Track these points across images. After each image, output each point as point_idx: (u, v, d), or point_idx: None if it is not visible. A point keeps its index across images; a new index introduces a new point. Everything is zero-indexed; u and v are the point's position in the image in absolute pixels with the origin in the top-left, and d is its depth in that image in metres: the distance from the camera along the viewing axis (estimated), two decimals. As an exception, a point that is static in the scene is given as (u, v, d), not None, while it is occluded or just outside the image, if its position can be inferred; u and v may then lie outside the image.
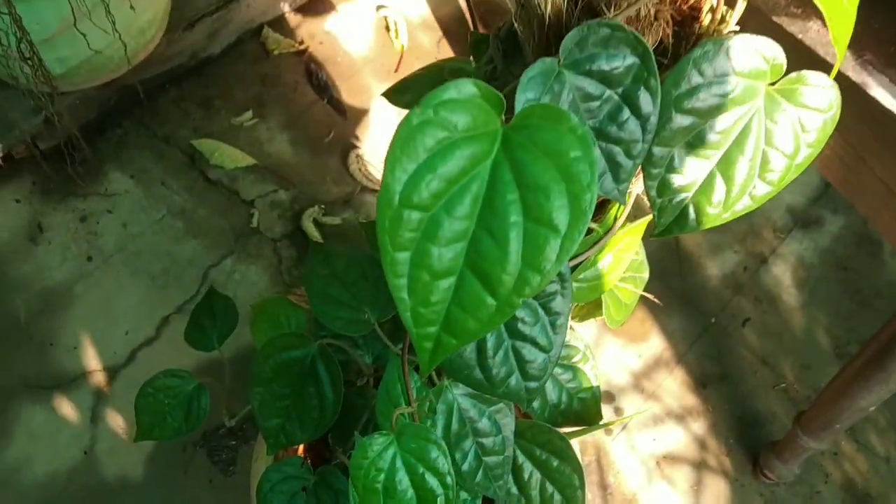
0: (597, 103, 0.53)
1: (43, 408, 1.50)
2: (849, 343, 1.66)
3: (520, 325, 0.61)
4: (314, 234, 1.67)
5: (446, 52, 1.93)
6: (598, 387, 1.04)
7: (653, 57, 0.52)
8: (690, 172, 0.58)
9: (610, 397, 1.57)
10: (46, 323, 1.57)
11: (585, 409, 1.03)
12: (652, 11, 0.54)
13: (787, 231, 1.77)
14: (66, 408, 1.50)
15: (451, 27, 1.96)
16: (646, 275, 0.98)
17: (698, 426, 1.56)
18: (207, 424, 1.47)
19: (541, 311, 0.61)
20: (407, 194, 0.43)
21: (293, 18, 1.95)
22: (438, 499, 0.67)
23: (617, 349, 1.62)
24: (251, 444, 1.48)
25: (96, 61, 1.48)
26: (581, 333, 1.04)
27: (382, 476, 0.67)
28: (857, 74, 0.88)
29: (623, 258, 0.78)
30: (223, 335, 1.10)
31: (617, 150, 0.55)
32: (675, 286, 1.70)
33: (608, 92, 0.53)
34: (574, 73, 0.52)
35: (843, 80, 0.90)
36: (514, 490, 0.98)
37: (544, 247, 0.44)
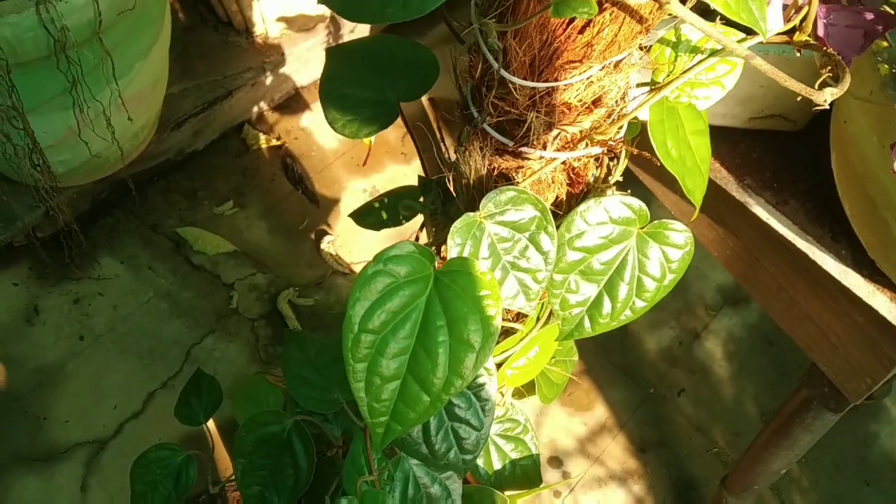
0: (510, 244, 0.71)
1: (36, 478, 1.63)
2: (773, 411, 1.83)
3: (456, 410, 0.78)
4: (289, 314, 1.83)
5: (409, 146, 2.12)
6: (537, 455, 1.20)
7: (548, 211, 0.70)
8: (583, 293, 0.75)
9: (558, 462, 1.73)
10: (40, 399, 1.71)
11: (526, 475, 1.19)
12: (549, 177, 0.72)
13: (717, 308, 1.96)
14: (58, 478, 1.63)
15: (414, 123, 2.16)
16: (575, 357, 1.16)
17: (639, 488, 1.72)
18: (190, 491, 1.60)
19: (473, 398, 0.78)
20: (363, 322, 0.60)
21: (271, 116, 2.15)
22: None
23: (564, 418, 1.79)
24: (230, 511, 1.62)
25: (94, 162, 1.65)
26: (522, 408, 1.21)
27: (348, 529, 0.83)
28: (739, 195, 1.07)
29: (548, 349, 0.95)
30: (209, 411, 1.25)
31: (527, 277, 0.72)
32: (617, 360, 1.88)
33: (518, 235, 0.71)
34: (491, 223, 0.70)
35: (730, 198, 1.10)
36: (464, 548, 1.13)
37: (464, 358, 0.61)
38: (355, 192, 2.05)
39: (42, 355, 1.76)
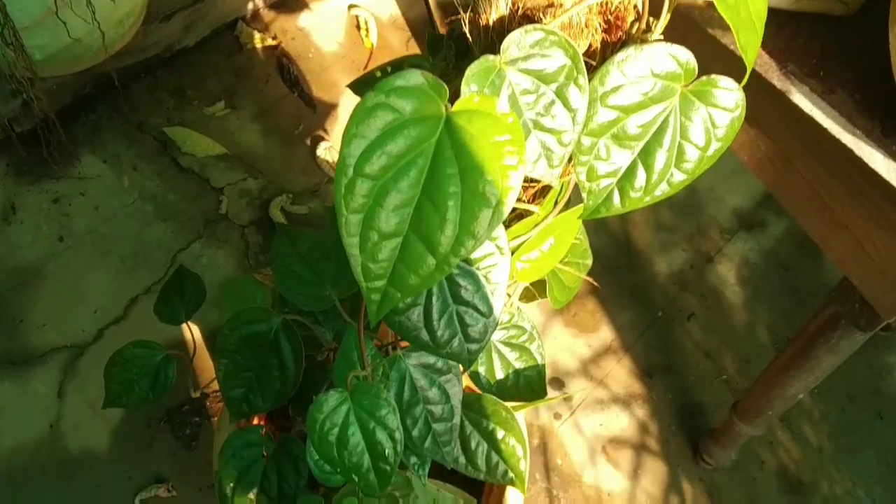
0: (533, 97, 0.61)
1: (11, 382, 1.55)
2: (787, 339, 1.75)
3: (463, 293, 0.68)
4: (281, 221, 1.73)
5: (414, 51, 2.00)
6: (543, 365, 1.12)
7: (581, 59, 0.59)
8: (615, 161, 0.65)
9: (559, 383, 1.66)
10: (16, 300, 1.62)
11: (530, 386, 1.11)
12: (583, 20, 0.61)
13: (732, 232, 1.87)
14: (34, 383, 1.55)
15: (419, 28, 2.04)
16: (589, 261, 1.06)
17: (643, 413, 1.65)
18: (171, 401, 1.52)
19: (482, 279, 0.68)
20: (360, 165, 0.50)
21: (267, 14, 2.02)
22: (387, 450, 0.74)
23: (568, 339, 1.71)
24: (213, 422, 1.54)
25: (75, 49, 1.53)
26: (529, 316, 1.12)
27: (336, 429, 0.74)
28: (781, 83, 0.97)
29: (564, 241, 0.86)
30: (191, 310, 1.16)
31: (550, 139, 0.62)
32: (626, 281, 1.79)
33: (543, 88, 0.61)
34: (513, 70, 0.60)
35: (770, 89, 0.99)
36: (462, 459, 1.05)
37: (478, 214, 0.52)
38: (355, 98, 1.92)
39: (19, 255, 1.66)
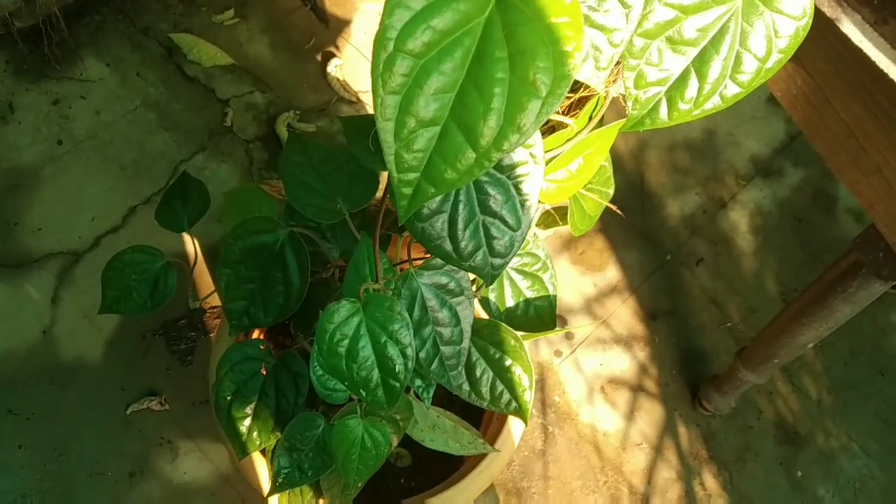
0: (586, -12, 0.56)
1: (3, 285, 1.51)
2: (795, 291, 1.72)
3: (491, 203, 0.64)
4: (288, 137, 1.68)
5: (433, -29, 1.92)
6: (554, 296, 1.08)
7: (643, -54, 0.54)
8: (667, 66, 0.61)
9: (562, 321, 1.63)
10: (12, 202, 1.57)
11: (540, 316, 1.07)
12: None
13: (748, 179, 1.82)
14: (28, 287, 1.51)
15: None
16: (611, 190, 1.02)
17: (644, 356, 1.63)
18: (167, 314, 1.49)
19: (513, 190, 0.64)
20: (402, 39, 0.45)
21: (282, -79, 1.93)
22: (397, 366, 0.71)
23: (574, 276, 1.67)
24: (209, 338, 1.51)
25: (80, -61, 1.46)
26: (544, 242, 1.08)
27: (346, 341, 0.70)
28: (832, 10, 0.91)
29: (593, 162, 0.81)
30: (194, 218, 1.12)
31: (600, 37, 0.57)
32: (637, 222, 1.75)
33: (598, -22, 0.55)
34: (567, -45, 0.54)
35: (818, 16, 0.94)
36: (466, 386, 1.02)
37: (526, 105, 0.47)
38: (370, 15, 1.86)
39: (16, 156, 1.61)
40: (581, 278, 1.68)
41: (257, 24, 1.80)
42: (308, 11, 1.83)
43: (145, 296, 1.08)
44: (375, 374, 0.71)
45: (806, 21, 0.60)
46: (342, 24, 1.84)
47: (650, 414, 1.58)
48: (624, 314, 1.66)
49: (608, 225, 1.72)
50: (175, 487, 1.38)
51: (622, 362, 1.61)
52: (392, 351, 0.71)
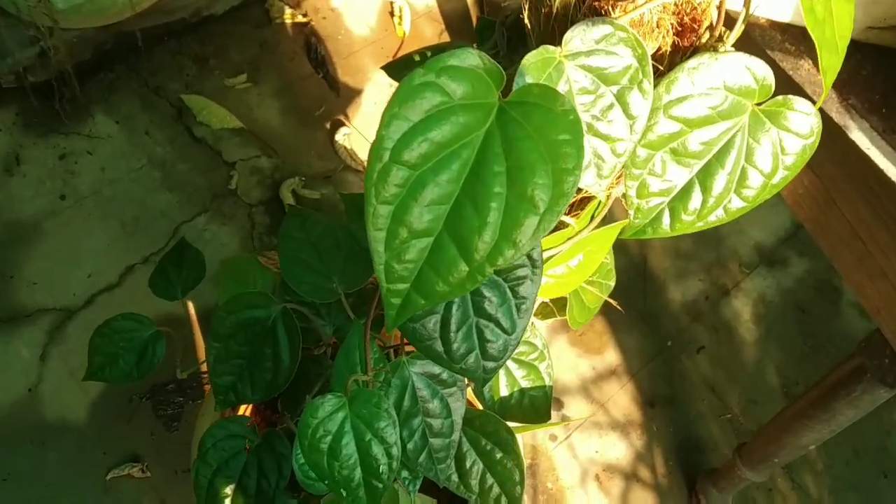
0: (591, 98, 0.55)
1: (-6, 339, 1.49)
2: (797, 384, 1.69)
3: (486, 305, 0.62)
4: (292, 204, 1.67)
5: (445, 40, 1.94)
6: (550, 386, 1.06)
7: (650, 61, 0.53)
8: (670, 178, 0.59)
9: (559, 403, 1.59)
10: (10, 255, 1.56)
11: (535, 407, 1.05)
12: (655, 19, 0.55)
13: (752, 267, 1.81)
14: (17, 342, 1.49)
15: (454, 21, 1.98)
16: (612, 282, 1.00)
17: (641, 444, 1.59)
18: (156, 378, 1.46)
19: (509, 293, 0.62)
20: (398, 150, 0.44)
21: (300, -10, 1.96)
22: (381, 466, 0.68)
23: (572, 358, 1.64)
24: (197, 404, 1.48)
25: (100, 2, 1.47)
26: (541, 332, 1.06)
27: (329, 438, 0.68)
28: (840, 116, 0.91)
29: (593, 259, 0.80)
30: (188, 287, 1.10)
31: (604, 146, 0.56)
32: (638, 306, 1.73)
33: (604, 89, 0.55)
34: (573, 66, 0.54)
35: (826, 121, 0.93)
36: (455, 477, 0.99)
37: (523, 221, 0.46)
38: (381, 86, 1.87)
39: (18, 209, 1.60)
40: (579, 360, 1.65)
41: (269, 89, 1.81)
42: (320, 79, 1.84)
43: (131, 364, 1.06)
44: (358, 473, 0.68)
45: (813, 140, 0.59)
46: (353, 93, 1.85)
47: (645, 505, 1.53)
48: (622, 399, 1.62)
49: (609, 308, 1.69)
50: (151, 559, 1.34)
51: (618, 450, 1.58)
52: (377, 450, 0.68)
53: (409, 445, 0.87)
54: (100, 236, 1.60)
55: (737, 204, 0.61)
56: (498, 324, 0.63)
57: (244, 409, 1.20)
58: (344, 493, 0.68)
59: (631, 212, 0.60)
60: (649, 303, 1.74)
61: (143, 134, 1.72)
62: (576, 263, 0.80)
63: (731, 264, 1.81)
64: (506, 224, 0.46)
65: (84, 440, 1.41)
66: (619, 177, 0.68)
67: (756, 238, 1.84)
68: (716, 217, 0.61)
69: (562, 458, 1.55)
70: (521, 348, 1.04)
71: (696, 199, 0.60)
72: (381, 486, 0.68)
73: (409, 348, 0.88)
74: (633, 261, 1.78)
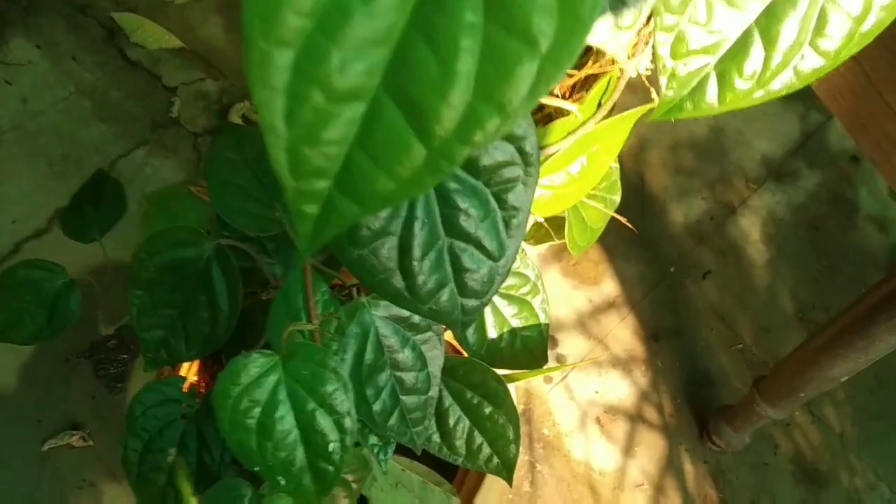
0: None
1: None
2: (812, 308, 1.54)
3: (462, 220, 0.44)
4: (242, 132, 1.48)
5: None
6: (546, 325, 0.89)
7: None
8: (720, 27, 0.41)
9: (553, 342, 1.43)
10: (-79, 202, 1.36)
11: (528, 351, 0.88)
12: None
13: (760, 182, 1.64)
14: (-63, 300, 1.30)
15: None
16: (617, 197, 0.83)
17: (645, 381, 1.43)
18: (95, 335, 1.29)
19: (493, 202, 0.44)
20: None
21: None
22: (331, 444, 0.51)
23: (566, 290, 1.48)
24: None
25: None
26: (533, 260, 0.88)
27: (258, 410, 0.50)
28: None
29: (599, 163, 0.62)
30: (106, 226, 0.92)
31: (625, -23, 0.38)
32: (636, 229, 1.55)
33: None
34: None
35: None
36: (436, 438, 0.83)
37: (513, 68, 0.27)
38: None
39: (-72, 149, 1.40)
40: (574, 292, 1.48)
41: (212, 4, 1.60)
42: (269, -11, 1.62)
43: (42, 321, 0.88)
44: (300, 454, 0.51)
45: (928, -41, 0.40)
46: (307, 4, 1.63)
47: (652, 449, 1.39)
48: (622, 333, 1.46)
49: (605, 233, 1.52)
50: (99, 539, 1.18)
51: (620, 389, 1.42)
52: (323, 423, 0.51)
53: (377, 406, 0.71)
54: (24, 177, 1.40)
55: (811, 62, 0.42)
56: (479, 245, 0.45)
57: (188, 368, 1.03)
58: (283, 482, 0.51)
59: (663, 79, 0.42)
60: (649, 226, 1.56)
61: (70, 59, 1.50)
62: (577, 169, 0.63)
63: (737, 180, 1.63)
64: (485, 74, 0.27)
65: (15, 408, 1.24)
66: (640, 43, 0.49)
67: (763, 150, 1.67)
68: (781, 82, 0.43)
69: (558, 402, 1.39)
70: (510, 281, 0.87)
71: (755, 56, 0.42)
72: (331, 468, 0.51)
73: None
74: (628, 180, 1.60)
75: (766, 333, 1.50)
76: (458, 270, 0.45)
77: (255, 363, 0.50)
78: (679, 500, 1.36)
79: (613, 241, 1.53)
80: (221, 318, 0.79)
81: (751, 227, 1.59)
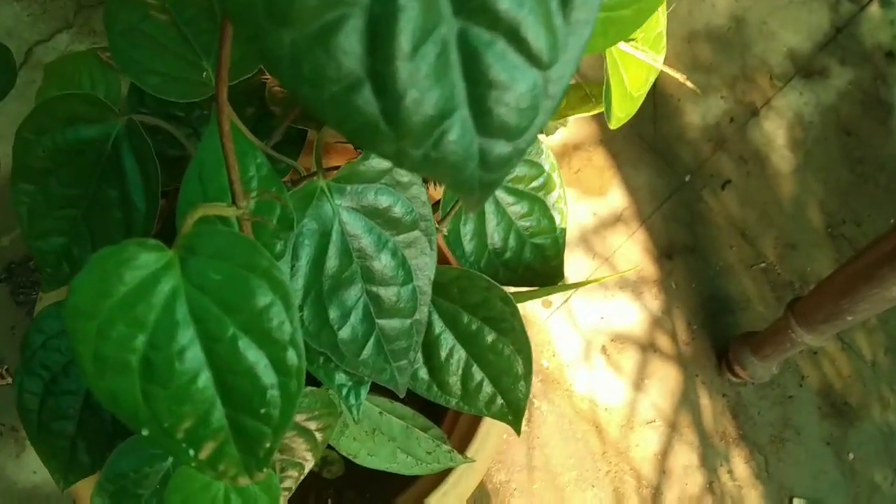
0: None
1: None
2: (843, 222, 1.36)
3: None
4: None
5: None
6: (563, 230, 0.70)
7: None
8: None
9: (553, 261, 1.24)
10: None
11: (541, 262, 0.69)
12: None
13: (785, 80, 1.43)
14: None
15: None
16: (661, 56, 0.63)
17: (657, 304, 1.25)
18: (13, 255, 1.08)
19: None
20: None
21: None
22: (268, 392, 0.31)
23: (568, 202, 1.28)
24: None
25: None
26: (547, 148, 0.68)
27: (142, 339, 0.30)
28: None
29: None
30: (-11, 102, 0.71)
31: None
32: (646, 134, 1.35)
33: None
34: None
35: None
36: (424, 374, 0.64)
37: None
38: None
39: None
40: (576, 205, 1.29)
41: None
42: None
43: None
44: (216, 409, 0.32)
45: None
46: None
47: (664, 382, 1.21)
48: (631, 252, 1.28)
49: (611, 136, 1.33)
50: (19, 493, 0.99)
51: (629, 314, 1.24)
52: (252, 358, 0.31)
53: (343, 334, 0.51)
54: (-77, 66, 1.16)
55: None
56: (514, 37, 0.24)
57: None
58: (191, 452, 0.32)
59: None
60: (661, 130, 1.36)
61: (-23, -74, 1.26)
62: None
63: (760, 77, 1.43)
64: None
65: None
66: None
67: (789, 43, 1.46)
68: None
69: (559, 329, 1.21)
70: (518, 171, 0.67)
71: None
72: (266, 429, 0.32)
73: (331, 175, 0.50)
74: (637, 77, 1.39)
75: (791, 251, 1.32)
76: (477, 82, 0.24)
77: (136, 261, 0.30)
78: (694, 438, 1.20)
79: (621, 146, 1.33)
80: (137, 218, 0.60)
81: (775, 131, 1.40)
